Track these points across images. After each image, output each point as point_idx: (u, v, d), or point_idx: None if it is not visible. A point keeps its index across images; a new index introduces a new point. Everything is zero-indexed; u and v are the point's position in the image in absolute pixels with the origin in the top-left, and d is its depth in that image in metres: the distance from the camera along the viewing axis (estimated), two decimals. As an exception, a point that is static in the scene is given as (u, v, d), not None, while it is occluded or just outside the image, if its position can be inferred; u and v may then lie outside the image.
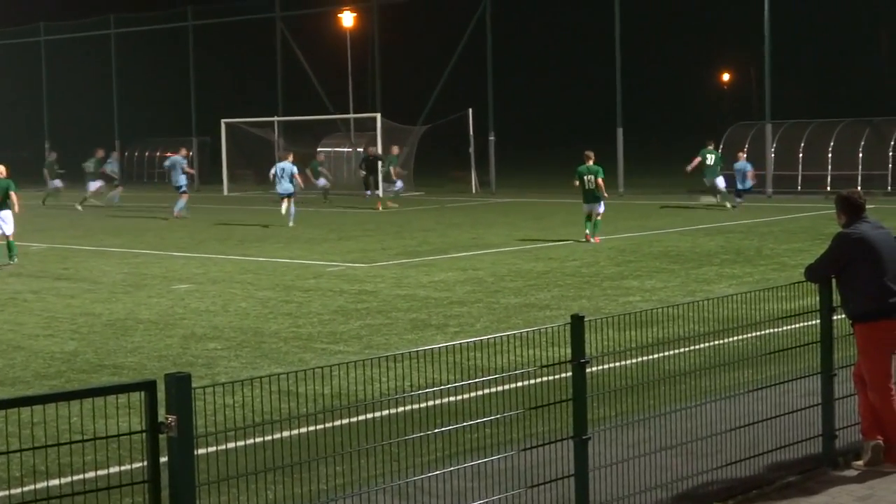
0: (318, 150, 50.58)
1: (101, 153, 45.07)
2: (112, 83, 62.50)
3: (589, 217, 26.68)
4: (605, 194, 27.20)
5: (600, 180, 26.69)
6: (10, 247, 24.67)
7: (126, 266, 23.63)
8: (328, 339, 14.89)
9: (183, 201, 37.03)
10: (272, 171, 34.80)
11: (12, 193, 24.74)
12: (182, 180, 37.75)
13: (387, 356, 9.98)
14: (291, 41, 56.97)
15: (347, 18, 53.36)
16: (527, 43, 71.02)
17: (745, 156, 36.30)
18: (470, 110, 47.68)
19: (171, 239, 29.64)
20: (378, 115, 49.34)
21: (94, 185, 43.70)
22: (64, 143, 62.61)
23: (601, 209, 26.82)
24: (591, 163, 27.01)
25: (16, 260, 24.48)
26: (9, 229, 24.67)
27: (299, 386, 11.06)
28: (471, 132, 47.75)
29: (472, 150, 48.07)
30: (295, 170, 33.66)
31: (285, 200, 33.18)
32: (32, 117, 66.53)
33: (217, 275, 21.89)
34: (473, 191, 47.53)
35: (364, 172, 42.78)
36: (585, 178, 26.77)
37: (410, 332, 15.40)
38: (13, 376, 13.03)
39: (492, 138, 49.05)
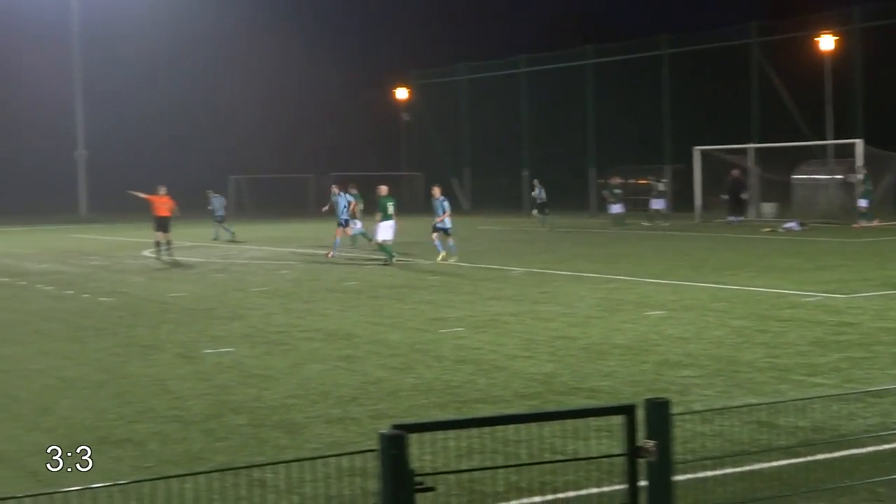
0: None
1: (617, 179, 52.16)
2: (586, 112, 64.03)
3: None
4: None
5: None
6: (384, 249, 31.16)
7: (600, 291, 24.05)
8: (805, 371, 14.46)
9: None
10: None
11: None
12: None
13: (869, 391, 9.57)
14: (767, 67, 56.09)
15: (826, 42, 51.82)
16: None
17: None
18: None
19: (644, 265, 29.90)
20: (859, 141, 47.63)
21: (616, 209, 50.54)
22: (541, 173, 64.87)
23: None
24: None
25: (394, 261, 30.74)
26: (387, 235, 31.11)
27: (775, 418, 10.82)
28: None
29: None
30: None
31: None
32: (508, 147, 69.28)
33: (690, 302, 21.82)
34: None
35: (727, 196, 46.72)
36: None
37: (894, 366, 14.68)
38: (495, 395, 13.54)
39: None
